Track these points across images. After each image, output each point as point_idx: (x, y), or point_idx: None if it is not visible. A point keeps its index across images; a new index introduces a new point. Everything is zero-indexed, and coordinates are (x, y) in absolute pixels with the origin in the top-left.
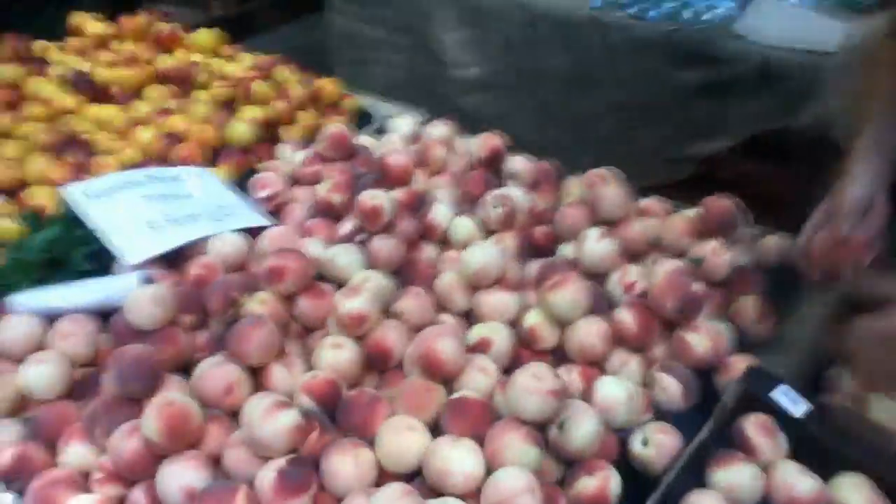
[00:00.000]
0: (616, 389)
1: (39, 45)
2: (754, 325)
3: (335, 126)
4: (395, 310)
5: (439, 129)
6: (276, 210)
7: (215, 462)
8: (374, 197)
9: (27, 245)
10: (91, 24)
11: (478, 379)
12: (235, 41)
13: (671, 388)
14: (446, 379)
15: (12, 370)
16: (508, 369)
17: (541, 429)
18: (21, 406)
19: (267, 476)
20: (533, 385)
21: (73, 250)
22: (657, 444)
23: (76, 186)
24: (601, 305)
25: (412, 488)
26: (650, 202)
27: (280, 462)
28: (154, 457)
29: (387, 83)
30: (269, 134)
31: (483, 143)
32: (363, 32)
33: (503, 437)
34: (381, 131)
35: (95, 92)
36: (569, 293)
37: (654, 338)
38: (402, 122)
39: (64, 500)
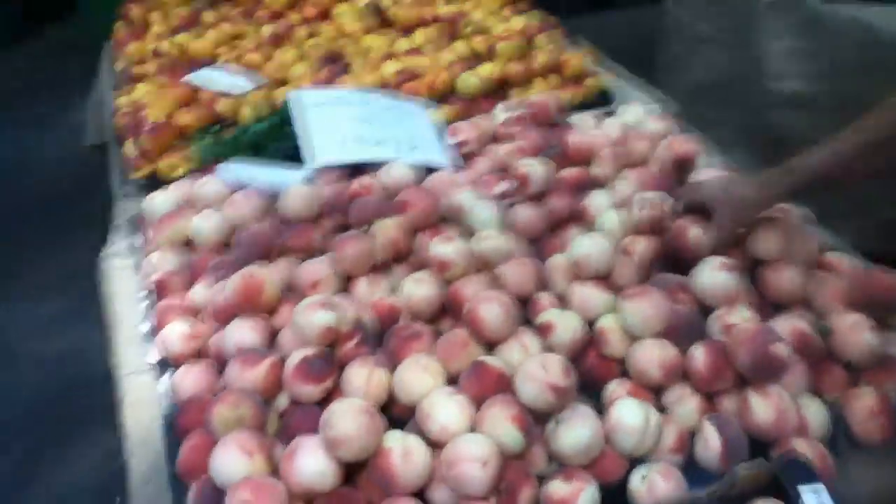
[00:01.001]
0: (632, 414)
1: None
2: (865, 421)
3: (542, 96)
4: (497, 271)
5: (656, 124)
6: (466, 158)
7: (274, 334)
8: (527, 165)
9: (246, 130)
10: None
11: (514, 353)
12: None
13: (711, 441)
14: (488, 342)
15: (189, 216)
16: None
17: (543, 420)
18: (185, 246)
19: (294, 358)
20: (536, 373)
21: (273, 142)
22: (651, 484)
23: (303, 92)
24: (688, 334)
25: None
26: (840, 259)
27: (309, 351)
28: (229, 313)
29: (701, 82)
30: (503, 92)
31: (674, 145)
32: (693, 26)
33: (493, 409)
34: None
35: (382, 23)
36: (642, 307)
37: (723, 385)
38: (630, 111)
39: (169, 321)
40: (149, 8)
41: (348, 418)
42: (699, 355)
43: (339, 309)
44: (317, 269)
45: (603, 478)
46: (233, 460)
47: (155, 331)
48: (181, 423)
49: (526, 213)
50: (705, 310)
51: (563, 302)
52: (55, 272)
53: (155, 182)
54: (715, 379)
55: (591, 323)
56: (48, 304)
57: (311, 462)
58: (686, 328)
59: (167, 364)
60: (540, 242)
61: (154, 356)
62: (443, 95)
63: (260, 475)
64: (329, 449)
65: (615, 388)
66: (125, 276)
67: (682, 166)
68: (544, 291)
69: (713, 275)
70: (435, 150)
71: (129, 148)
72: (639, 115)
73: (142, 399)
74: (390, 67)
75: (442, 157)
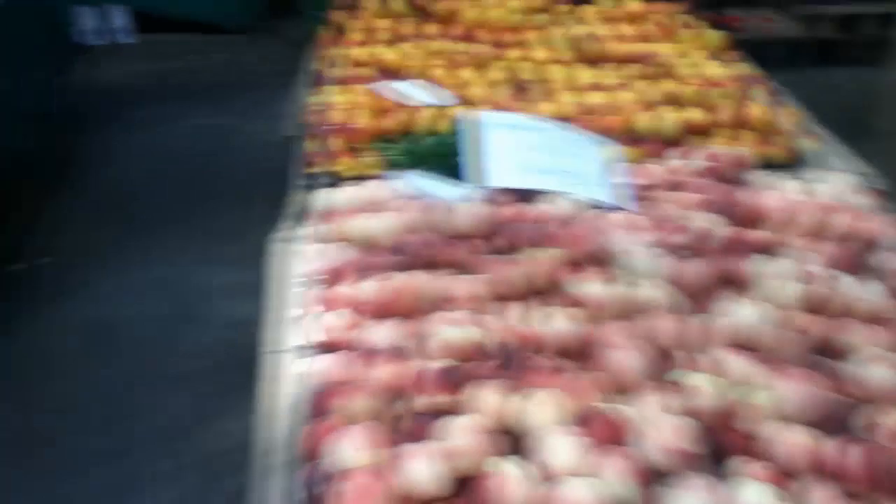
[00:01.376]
0: (763, 500)
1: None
2: None
3: (726, 149)
4: (645, 321)
5: (851, 198)
6: (636, 201)
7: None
8: (695, 218)
9: (425, 143)
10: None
11: (646, 406)
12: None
13: None
14: (622, 390)
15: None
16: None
17: (659, 481)
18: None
19: (434, 365)
20: (664, 431)
21: (449, 158)
22: None
23: (483, 113)
24: (842, 427)
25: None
26: None
27: (449, 362)
28: (381, 311)
29: None
30: (686, 138)
31: (855, 221)
32: None
33: (613, 458)
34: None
35: (587, 55)
36: (797, 390)
37: (879, 493)
38: (824, 179)
39: (329, 309)
40: (353, 16)
41: (469, 434)
42: (854, 453)
43: (485, 327)
44: (470, 285)
45: None
46: (354, 448)
47: (308, 316)
48: (314, 405)
49: (686, 268)
50: (861, 404)
51: (708, 365)
52: (236, 248)
53: (331, 179)
54: (870, 483)
55: (735, 394)
56: (225, 274)
57: (422, 467)
58: (841, 421)
59: (311, 348)
60: (695, 299)
61: (301, 339)
62: (623, 134)
63: (373, 468)
64: (441, 458)
65: (747, 468)
66: (289, 261)
67: (862, 245)
68: (691, 351)
69: (876, 370)
70: (603, 189)
71: (313, 144)
72: (834, 186)
73: (279, 377)
74: (572, 100)
75: (609, 196)
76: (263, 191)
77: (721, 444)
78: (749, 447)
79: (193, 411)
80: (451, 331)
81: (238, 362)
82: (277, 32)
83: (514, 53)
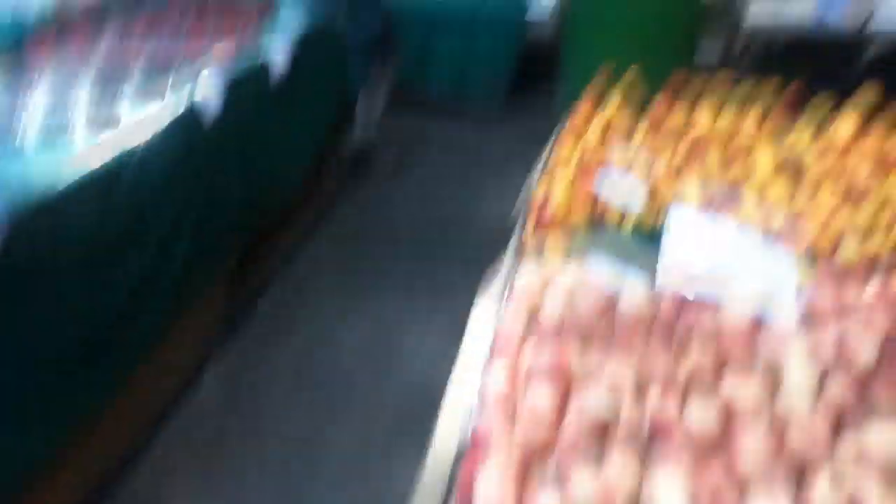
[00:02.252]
0: None
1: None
2: None
3: None
4: (786, 429)
5: None
6: (816, 318)
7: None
8: (862, 345)
9: (624, 234)
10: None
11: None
12: None
13: None
14: (745, 481)
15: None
16: None
17: None
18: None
19: (575, 431)
20: None
21: (640, 251)
22: None
23: (685, 210)
24: None
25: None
26: None
27: (587, 429)
28: (539, 375)
29: None
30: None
31: None
32: None
33: None
34: None
35: (793, 174)
36: None
37: None
38: None
39: (497, 367)
40: (593, 112)
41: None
42: None
43: (625, 404)
44: (621, 370)
45: None
46: (496, 486)
47: (483, 375)
48: (472, 454)
49: (844, 394)
50: None
51: (839, 479)
52: (444, 308)
53: (536, 258)
54: None
55: None
56: (426, 328)
57: None
58: None
59: (479, 404)
60: (842, 419)
61: (472, 396)
62: (816, 253)
63: None
64: None
65: None
66: (483, 325)
67: None
68: (823, 461)
69: None
70: (785, 302)
71: (529, 225)
72: None
73: (455, 412)
74: (773, 213)
75: (784, 308)
76: (481, 262)
77: None
78: None
79: (371, 453)
80: (598, 402)
81: (420, 411)
82: (528, 120)
83: (735, 166)
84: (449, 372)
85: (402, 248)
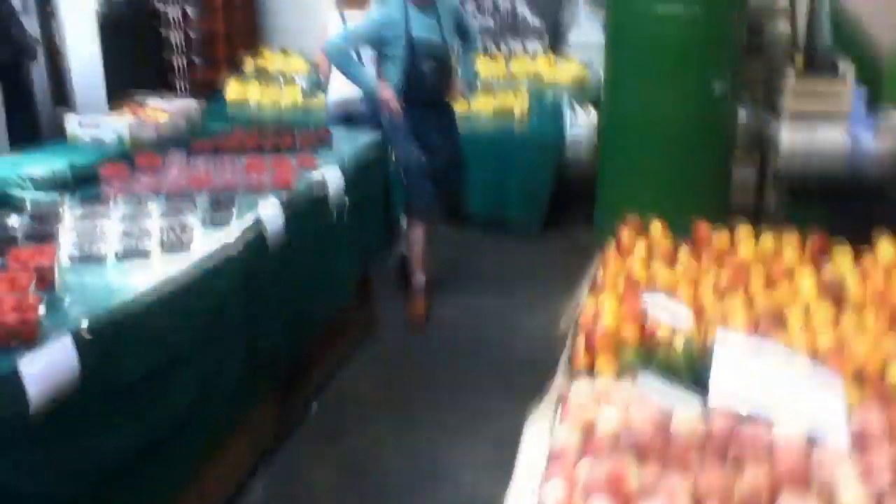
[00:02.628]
0: None
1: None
2: None
3: None
4: None
5: None
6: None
7: None
8: None
9: (673, 354)
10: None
11: None
12: None
13: None
14: None
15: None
16: None
17: None
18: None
19: None
20: None
21: (692, 371)
22: None
23: (730, 334)
24: None
25: None
26: None
27: None
28: (595, 489)
29: None
30: None
31: None
32: None
33: None
34: None
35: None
36: None
37: None
38: None
39: (553, 484)
40: (637, 236)
41: None
42: None
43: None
44: (677, 485)
45: None
46: None
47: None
48: None
49: None
50: None
51: None
52: (492, 426)
53: (586, 374)
54: None
55: None
56: (473, 448)
57: None
58: None
59: None
60: None
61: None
62: (861, 378)
63: None
64: None
65: None
66: (535, 442)
67: None
68: None
69: None
70: (832, 429)
71: (578, 342)
72: None
73: None
74: (825, 338)
75: (838, 437)
76: (528, 377)
77: None
78: None
79: None
80: None
81: None
82: (566, 236)
83: (781, 284)
84: (498, 487)
85: (444, 366)
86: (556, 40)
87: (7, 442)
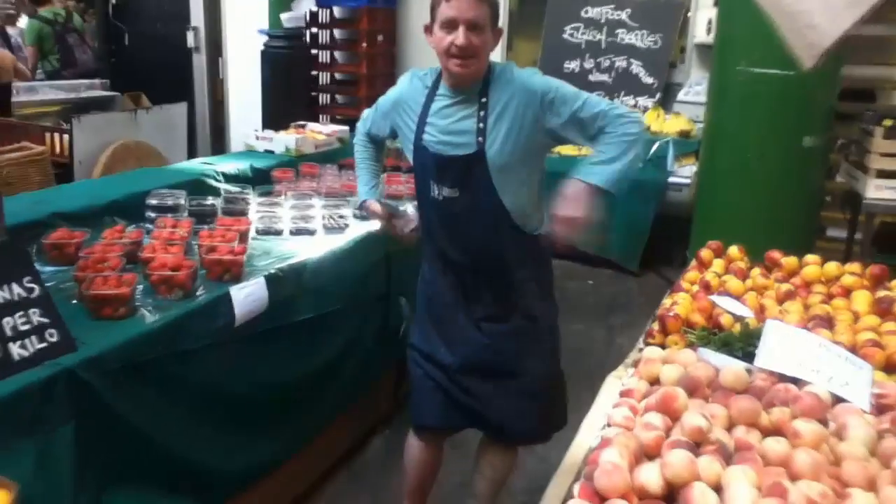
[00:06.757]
0: None
1: None
2: None
3: None
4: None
5: None
6: (879, 404)
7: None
8: None
9: (730, 334)
10: None
11: None
12: None
13: None
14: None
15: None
16: None
17: None
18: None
19: (673, 437)
20: None
21: (740, 344)
22: None
23: (780, 323)
24: None
25: None
26: None
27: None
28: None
29: None
30: None
31: None
32: None
33: None
34: None
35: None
36: None
37: None
38: None
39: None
40: (715, 255)
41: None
42: None
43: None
44: (716, 410)
45: None
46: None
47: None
48: (602, 443)
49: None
50: None
51: None
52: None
53: (659, 348)
54: None
55: None
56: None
57: None
58: None
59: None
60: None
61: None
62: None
63: None
64: None
65: None
66: (614, 387)
67: None
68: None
69: None
70: (855, 395)
71: (654, 323)
72: None
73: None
74: (865, 336)
75: (862, 401)
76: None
77: None
78: None
79: None
80: (696, 420)
81: None
82: (661, 275)
83: (836, 301)
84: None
85: None
86: (666, 98)
87: (218, 345)
